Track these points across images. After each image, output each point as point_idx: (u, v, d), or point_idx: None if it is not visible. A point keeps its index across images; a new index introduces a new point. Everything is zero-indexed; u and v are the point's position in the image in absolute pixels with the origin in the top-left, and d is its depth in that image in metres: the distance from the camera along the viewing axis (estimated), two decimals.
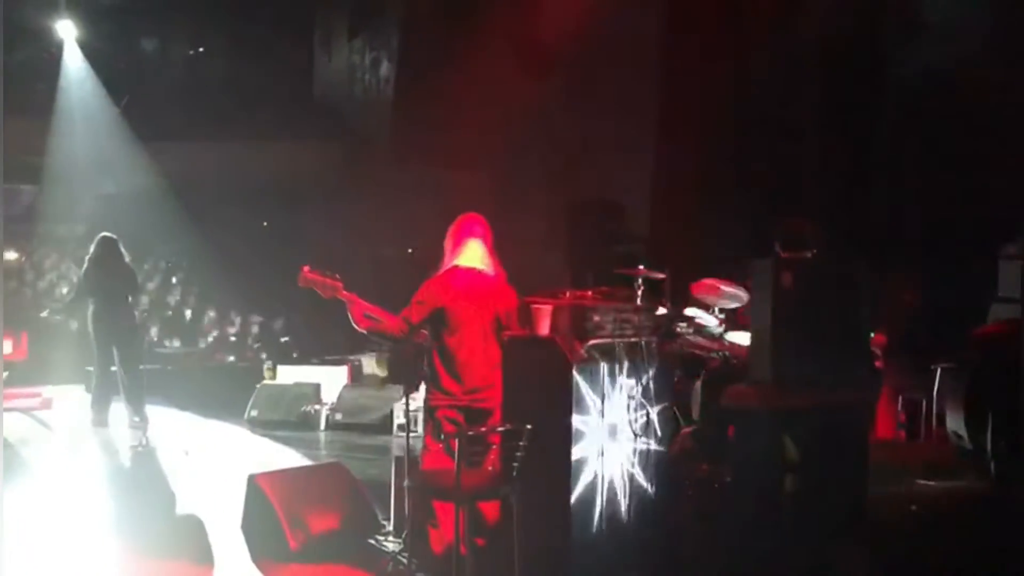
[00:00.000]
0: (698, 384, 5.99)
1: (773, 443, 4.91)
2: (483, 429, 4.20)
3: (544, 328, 4.41)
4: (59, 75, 11.83)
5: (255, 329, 11.30)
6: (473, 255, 4.47)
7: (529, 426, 3.97)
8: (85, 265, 8.21)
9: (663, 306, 5.89)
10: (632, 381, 4.69)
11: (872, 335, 5.67)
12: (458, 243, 4.47)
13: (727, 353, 5.94)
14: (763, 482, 4.96)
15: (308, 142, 12.53)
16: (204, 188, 12.05)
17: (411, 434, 4.49)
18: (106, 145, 11.83)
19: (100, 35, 11.81)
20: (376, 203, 11.35)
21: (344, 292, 4.41)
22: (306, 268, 4.44)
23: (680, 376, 5.94)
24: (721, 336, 6.06)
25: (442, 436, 4.29)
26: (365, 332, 4.33)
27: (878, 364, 5.90)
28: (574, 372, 4.30)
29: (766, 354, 4.99)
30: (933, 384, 7.57)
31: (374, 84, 12.56)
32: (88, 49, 11.90)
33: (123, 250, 8.24)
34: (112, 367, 8.21)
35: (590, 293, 4.83)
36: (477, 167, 10.14)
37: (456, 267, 4.47)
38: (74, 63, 11.92)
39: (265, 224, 12.84)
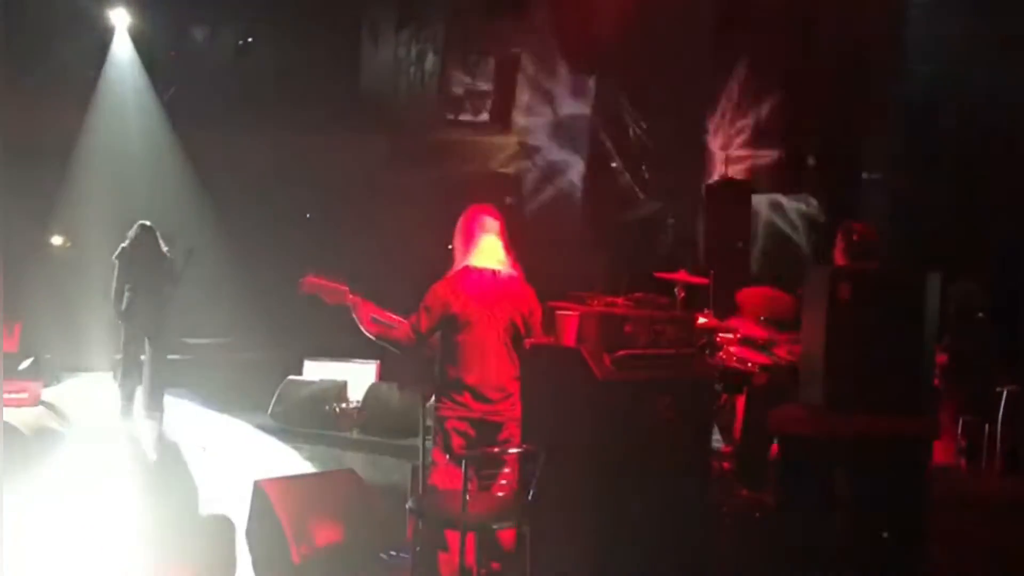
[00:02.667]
0: (741, 401, 5.65)
1: (822, 473, 4.47)
2: (495, 449, 3.97)
3: (569, 337, 4.16)
4: (106, 63, 11.57)
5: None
6: (488, 254, 4.20)
7: (546, 447, 3.75)
8: (118, 253, 8.13)
9: (705, 315, 5.62)
10: (667, 398, 4.36)
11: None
12: (469, 240, 4.21)
13: (774, 369, 5.58)
14: (809, 516, 4.51)
15: (351, 136, 12.20)
16: (247, 177, 11.74)
17: (428, 443, 4.28)
18: (149, 135, 11.72)
19: (151, 23, 11.62)
20: (418, 198, 11.00)
21: (351, 296, 4.21)
22: (309, 276, 4.28)
23: (721, 392, 5.64)
24: (768, 350, 5.72)
25: (449, 453, 4.08)
26: (373, 337, 4.13)
27: (936, 383, 5.32)
28: (601, 387, 4.06)
29: (818, 372, 4.54)
30: (998, 407, 6.99)
31: (419, 78, 12.39)
32: (138, 38, 11.65)
33: (161, 240, 8.18)
34: (142, 356, 8.13)
35: (622, 300, 4.60)
36: (520, 163, 9.76)
37: (468, 268, 4.18)
38: (123, 52, 11.71)
39: (308, 216, 12.46)
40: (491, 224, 4.20)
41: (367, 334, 4.10)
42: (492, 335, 4.10)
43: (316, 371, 9.25)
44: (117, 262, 8.09)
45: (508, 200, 8.88)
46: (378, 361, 9.03)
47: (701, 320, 5.44)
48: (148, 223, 8.20)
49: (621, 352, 4.21)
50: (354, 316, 4.18)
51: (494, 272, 4.14)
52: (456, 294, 4.10)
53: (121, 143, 11.37)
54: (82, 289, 9.98)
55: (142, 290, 8.01)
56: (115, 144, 11.26)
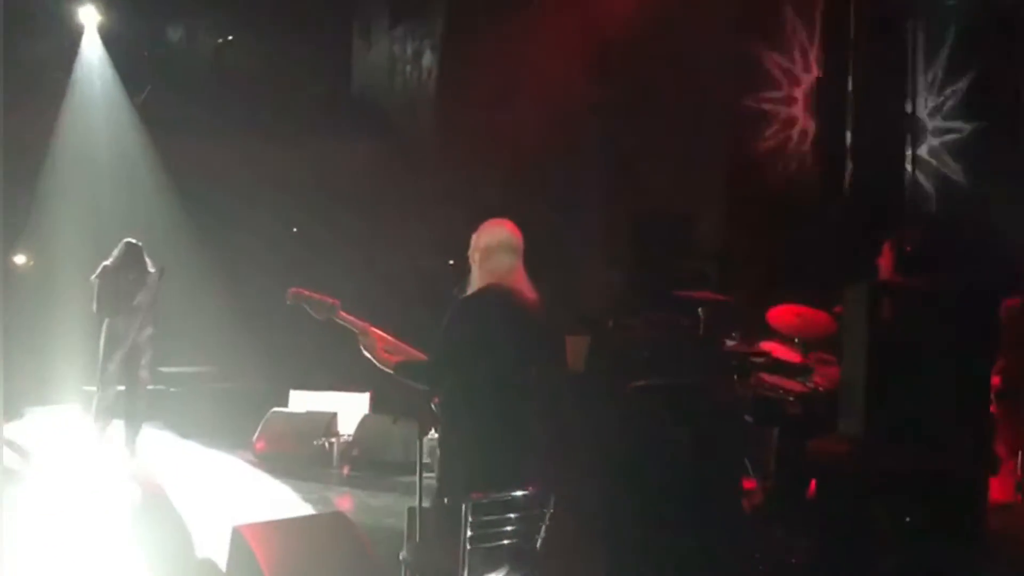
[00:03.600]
0: (774, 433, 5.54)
1: (865, 513, 4.44)
2: (498, 494, 3.77)
3: (578, 363, 4.31)
4: (75, 64, 11.63)
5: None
6: (505, 272, 4.10)
7: (554, 490, 3.71)
8: (99, 272, 8.08)
9: (732, 337, 5.57)
10: (691, 432, 4.41)
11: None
12: (487, 257, 4.11)
13: (811, 397, 5.52)
14: (851, 561, 4.47)
15: (343, 141, 12.21)
16: (227, 188, 11.76)
17: (426, 478, 4.38)
18: (122, 141, 11.76)
19: (122, 21, 11.68)
20: (414, 208, 11.07)
21: (345, 315, 4.14)
22: (295, 287, 4.26)
23: (752, 422, 5.47)
24: (803, 375, 5.67)
25: (445, 499, 3.89)
26: (392, 371, 4.03)
27: (991, 409, 5.50)
28: (616, 421, 4.14)
29: (859, 400, 4.52)
30: None
31: (415, 77, 12.36)
32: (108, 37, 11.71)
33: (148, 259, 8.19)
34: (120, 387, 8.19)
35: (640, 320, 4.73)
36: (525, 171, 9.77)
37: (488, 287, 4.08)
38: (92, 52, 11.79)
39: (295, 230, 12.47)
40: (509, 240, 4.12)
41: (382, 368, 4.01)
42: (511, 360, 3.99)
43: (303, 402, 9.24)
44: (98, 282, 8.07)
45: None
46: (371, 391, 9.01)
47: (728, 343, 5.42)
48: (134, 240, 8.21)
49: (638, 381, 4.27)
50: (362, 346, 4.06)
51: (514, 292, 4.07)
52: (474, 315, 4.01)
53: (90, 150, 11.40)
54: (47, 312, 10.11)
55: (125, 314, 8.01)
56: (84, 152, 11.29)
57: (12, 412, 9.37)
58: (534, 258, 4.15)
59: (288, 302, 4.20)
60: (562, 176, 9.85)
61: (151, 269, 8.22)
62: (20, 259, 11.54)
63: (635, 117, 9.29)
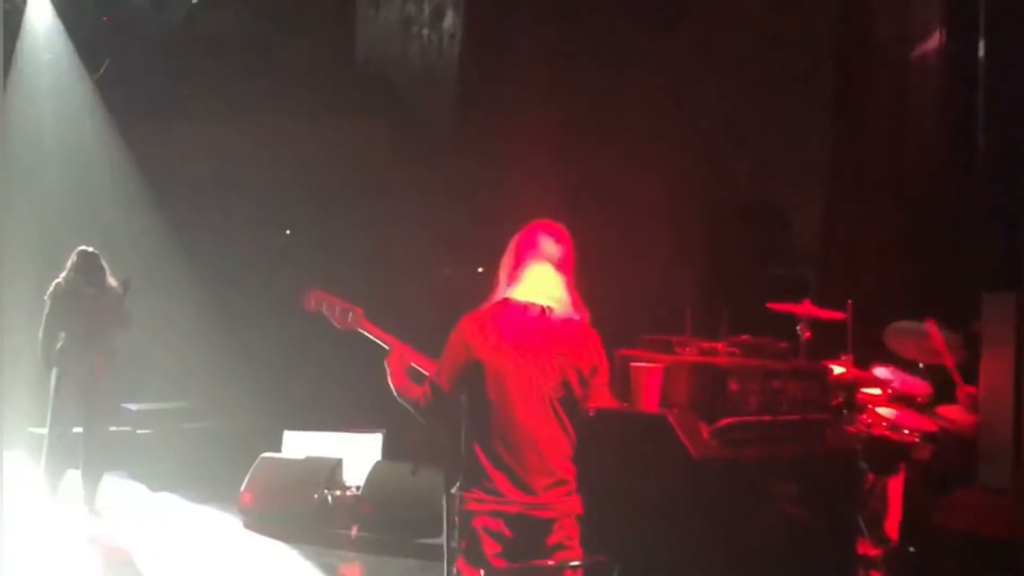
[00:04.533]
0: (896, 485, 5.61)
1: None
2: (548, 562, 3.89)
3: (650, 399, 4.28)
4: (19, 33, 11.71)
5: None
6: (537, 285, 4.15)
7: (620, 558, 3.80)
8: (52, 289, 8.23)
9: (841, 363, 5.67)
10: (792, 484, 4.46)
11: None
12: (517, 265, 4.20)
13: (942, 438, 5.57)
14: None
15: (345, 121, 12.29)
16: (206, 183, 11.88)
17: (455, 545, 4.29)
18: (76, 127, 11.85)
19: None
20: (435, 203, 11.13)
21: (369, 324, 4.42)
22: (317, 289, 4.54)
23: (868, 472, 5.55)
24: (932, 411, 5.77)
25: (481, 565, 3.97)
26: (396, 393, 4.22)
27: None
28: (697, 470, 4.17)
29: (1004, 444, 4.62)
30: None
31: (435, 42, 12.46)
32: (60, 0, 11.82)
33: (107, 268, 8.33)
34: (75, 428, 8.25)
35: (723, 344, 4.74)
36: (570, 157, 9.88)
37: (507, 301, 4.16)
38: (41, 19, 11.87)
39: (288, 233, 12.73)
40: (551, 248, 4.18)
41: (395, 391, 4.22)
42: (536, 395, 4.05)
43: (301, 446, 9.24)
44: (49, 301, 8.19)
45: None
46: (383, 431, 9.05)
47: (836, 370, 5.44)
48: (91, 249, 8.27)
49: (725, 420, 4.27)
50: (386, 364, 4.25)
51: (543, 310, 4.13)
52: (485, 334, 4.08)
53: (37, 138, 11.52)
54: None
55: (81, 339, 8.12)
56: (29, 140, 11.37)
57: None
58: (585, 267, 4.22)
59: (309, 306, 4.46)
60: (616, 161, 9.87)
61: (112, 282, 8.30)
62: None
63: (710, 81, 9.40)
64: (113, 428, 9.13)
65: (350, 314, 4.45)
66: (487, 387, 4.04)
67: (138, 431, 10.35)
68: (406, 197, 11.49)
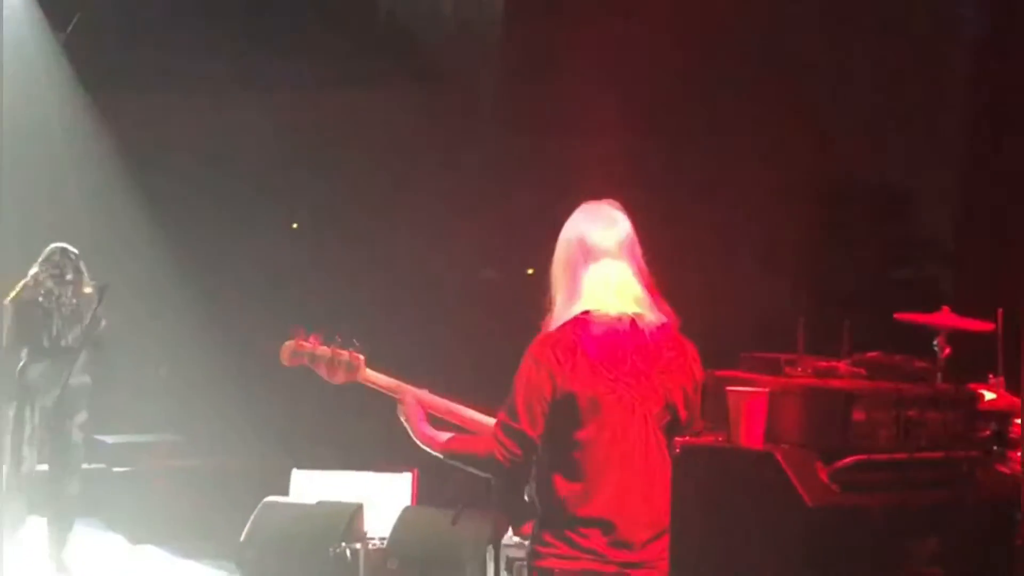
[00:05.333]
0: None
1: None
2: None
3: (753, 432, 4.32)
4: None
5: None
6: (615, 288, 4.07)
7: None
8: (16, 292, 8.30)
9: (990, 387, 5.58)
10: (932, 539, 4.55)
11: None
12: (581, 264, 4.11)
13: None
14: None
15: (365, 95, 12.40)
16: (198, 169, 11.90)
17: None
18: (41, 98, 11.86)
19: None
20: (471, 189, 11.17)
21: (376, 375, 4.23)
22: (300, 334, 4.24)
23: None
24: None
25: None
26: (441, 455, 4.08)
27: None
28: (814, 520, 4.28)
29: None
30: None
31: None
32: None
33: (85, 271, 8.34)
34: (39, 466, 8.31)
35: (845, 363, 4.77)
36: (641, 134, 9.82)
37: (587, 316, 4.04)
38: None
39: (295, 227, 12.86)
40: (614, 236, 4.10)
41: (429, 448, 4.11)
42: (639, 426, 4.01)
43: (313, 487, 9.13)
44: (11, 308, 8.30)
45: None
46: (414, 471, 8.97)
47: (987, 397, 5.33)
48: (66, 246, 8.35)
49: (848, 458, 4.29)
50: (402, 417, 4.21)
51: (633, 320, 4.03)
52: (573, 358, 3.98)
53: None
54: None
55: (51, 353, 8.19)
56: None
57: None
58: (665, 269, 4.09)
59: (286, 361, 4.24)
60: (701, 138, 9.95)
61: (87, 289, 8.33)
62: None
63: (828, 55, 9.57)
64: (85, 465, 9.01)
65: (345, 365, 4.31)
66: (581, 422, 3.94)
67: (115, 469, 10.32)
68: (437, 181, 11.51)
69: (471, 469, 4.06)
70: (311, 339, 4.21)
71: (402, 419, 4.19)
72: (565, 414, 3.96)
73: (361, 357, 4.24)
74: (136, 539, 9.22)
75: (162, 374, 11.76)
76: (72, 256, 8.38)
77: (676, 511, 3.96)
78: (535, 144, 10.71)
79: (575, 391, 3.95)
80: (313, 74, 12.35)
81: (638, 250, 4.10)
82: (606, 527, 3.93)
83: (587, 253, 4.10)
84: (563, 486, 3.96)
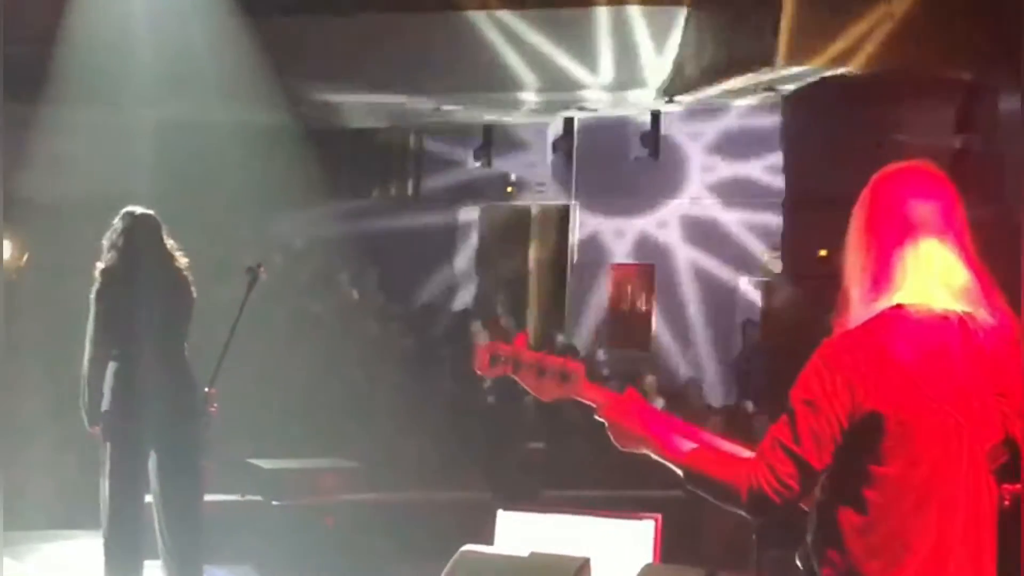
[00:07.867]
0: None
1: None
2: None
3: None
4: None
5: None
6: (937, 278, 3.78)
7: None
8: (100, 281, 7.79)
9: None
10: None
11: None
12: (894, 246, 3.81)
13: None
14: None
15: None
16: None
17: None
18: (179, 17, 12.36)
19: None
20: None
21: (593, 386, 4.00)
22: (499, 343, 4.22)
23: None
24: None
25: None
26: (681, 473, 3.86)
27: None
28: None
29: None
30: None
31: None
32: None
33: (168, 241, 7.93)
34: (146, 496, 7.83)
35: None
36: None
37: (900, 309, 3.74)
38: None
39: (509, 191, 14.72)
40: (933, 210, 3.84)
41: (679, 468, 3.92)
42: (962, 469, 3.72)
43: (524, 534, 7.83)
44: (94, 303, 7.76)
45: None
46: (657, 517, 7.90)
47: None
48: (143, 210, 7.83)
49: None
50: (620, 428, 3.96)
51: (962, 320, 3.73)
52: (880, 367, 3.71)
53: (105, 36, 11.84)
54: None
55: (148, 348, 7.77)
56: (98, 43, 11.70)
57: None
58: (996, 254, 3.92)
59: (484, 369, 4.11)
60: None
61: (180, 264, 7.93)
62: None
63: None
64: (224, 497, 9.10)
65: (558, 376, 4.10)
66: (883, 454, 3.67)
67: (274, 502, 10.17)
68: None
69: (720, 502, 3.78)
70: (516, 340, 4.06)
71: (615, 436, 3.91)
72: (863, 440, 3.70)
73: (579, 366, 4.01)
74: None
75: (327, 386, 11.93)
76: (153, 221, 7.95)
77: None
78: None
79: (880, 410, 3.70)
80: None
81: (965, 229, 3.82)
82: None
83: (899, 228, 3.84)
84: (855, 543, 3.68)
